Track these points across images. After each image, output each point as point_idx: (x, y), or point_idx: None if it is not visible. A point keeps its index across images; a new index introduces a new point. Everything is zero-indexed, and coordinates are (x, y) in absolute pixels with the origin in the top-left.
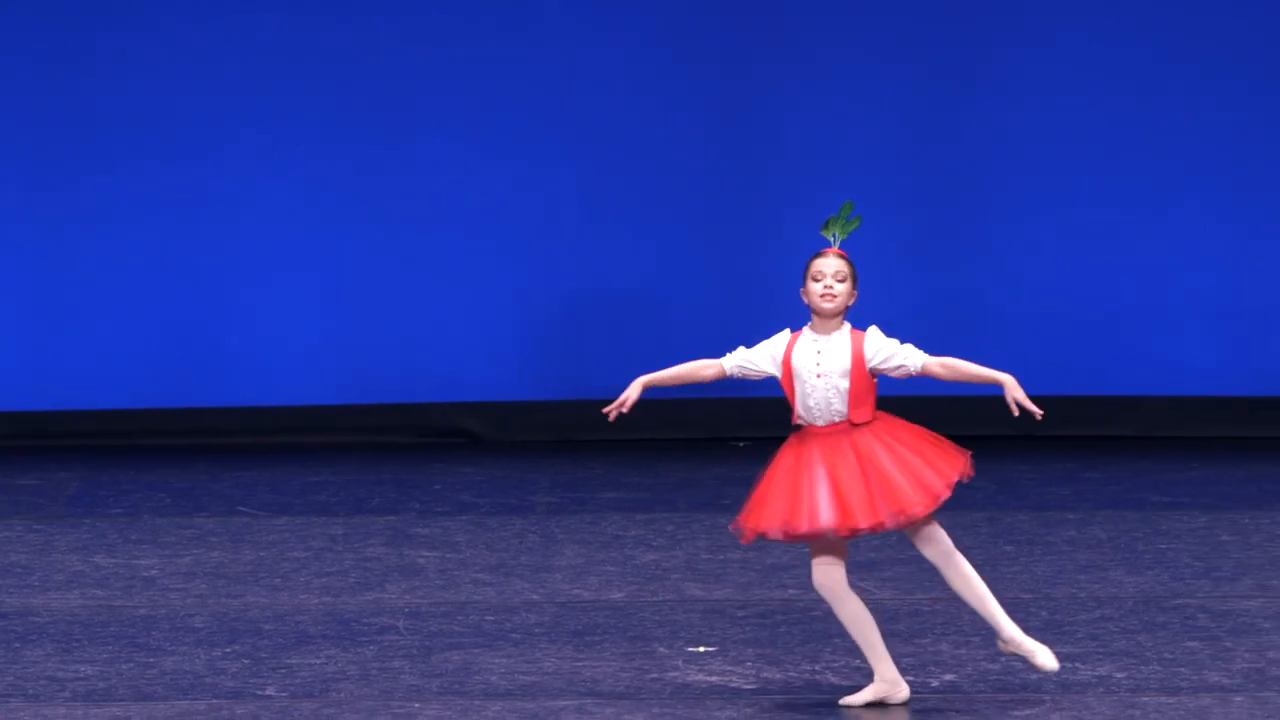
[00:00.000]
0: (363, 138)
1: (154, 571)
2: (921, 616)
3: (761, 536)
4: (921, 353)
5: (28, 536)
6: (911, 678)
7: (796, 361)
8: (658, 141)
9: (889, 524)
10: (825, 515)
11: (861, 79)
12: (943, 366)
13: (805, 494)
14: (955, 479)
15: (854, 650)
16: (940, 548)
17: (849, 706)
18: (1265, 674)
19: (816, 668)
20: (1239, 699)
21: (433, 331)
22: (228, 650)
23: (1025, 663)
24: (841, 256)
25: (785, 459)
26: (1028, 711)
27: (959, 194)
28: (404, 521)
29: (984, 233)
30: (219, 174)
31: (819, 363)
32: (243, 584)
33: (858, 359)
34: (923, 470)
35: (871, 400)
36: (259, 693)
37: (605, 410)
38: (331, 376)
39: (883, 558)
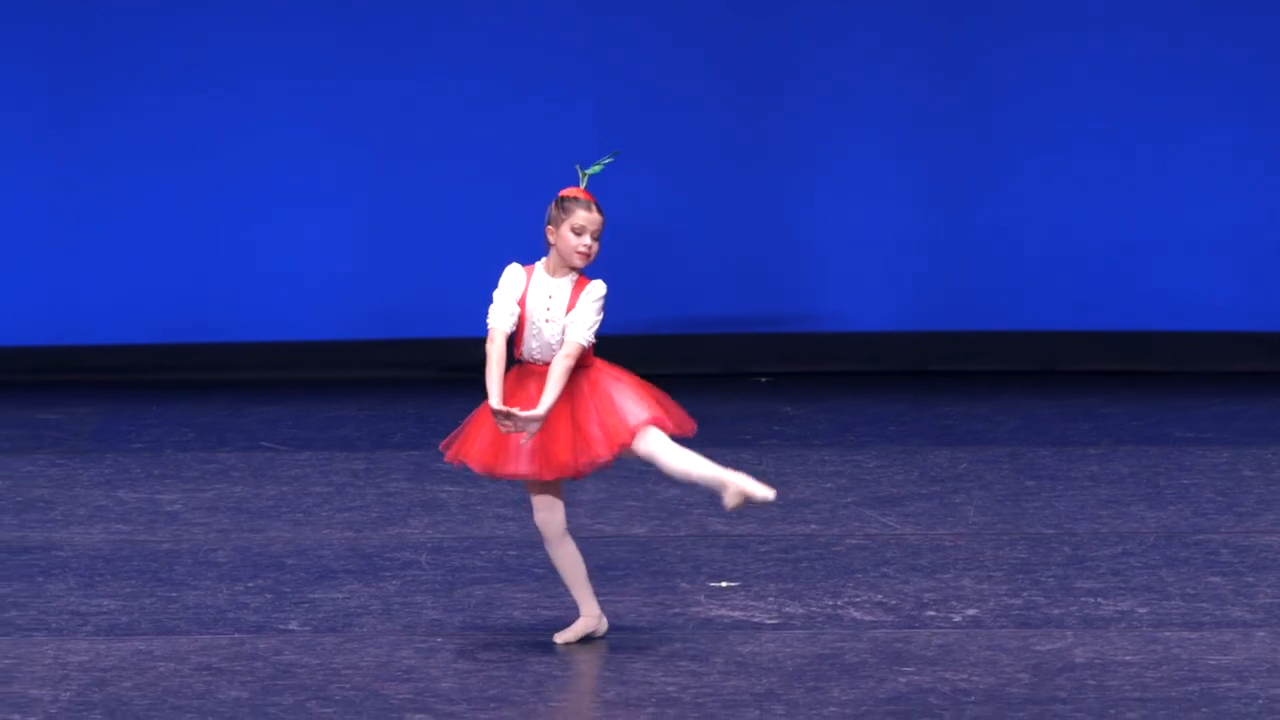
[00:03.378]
0: (383, 72)
1: (177, 506)
2: (944, 552)
3: (465, 466)
4: (581, 338)
5: (50, 471)
6: (933, 613)
7: (530, 304)
8: (675, 75)
9: (584, 473)
10: (524, 463)
11: (877, 14)
12: (554, 356)
13: (512, 438)
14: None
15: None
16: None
17: (565, 643)
18: None
19: (839, 602)
20: (1261, 634)
21: (454, 265)
22: (250, 585)
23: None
24: (598, 207)
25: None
26: (1050, 646)
27: (977, 129)
28: (427, 456)
29: (1003, 167)
30: (240, 109)
31: (549, 307)
32: (265, 519)
33: (571, 307)
34: (609, 416)
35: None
36: (282, 627)
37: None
38: (354, 311)
39: (905, 493)
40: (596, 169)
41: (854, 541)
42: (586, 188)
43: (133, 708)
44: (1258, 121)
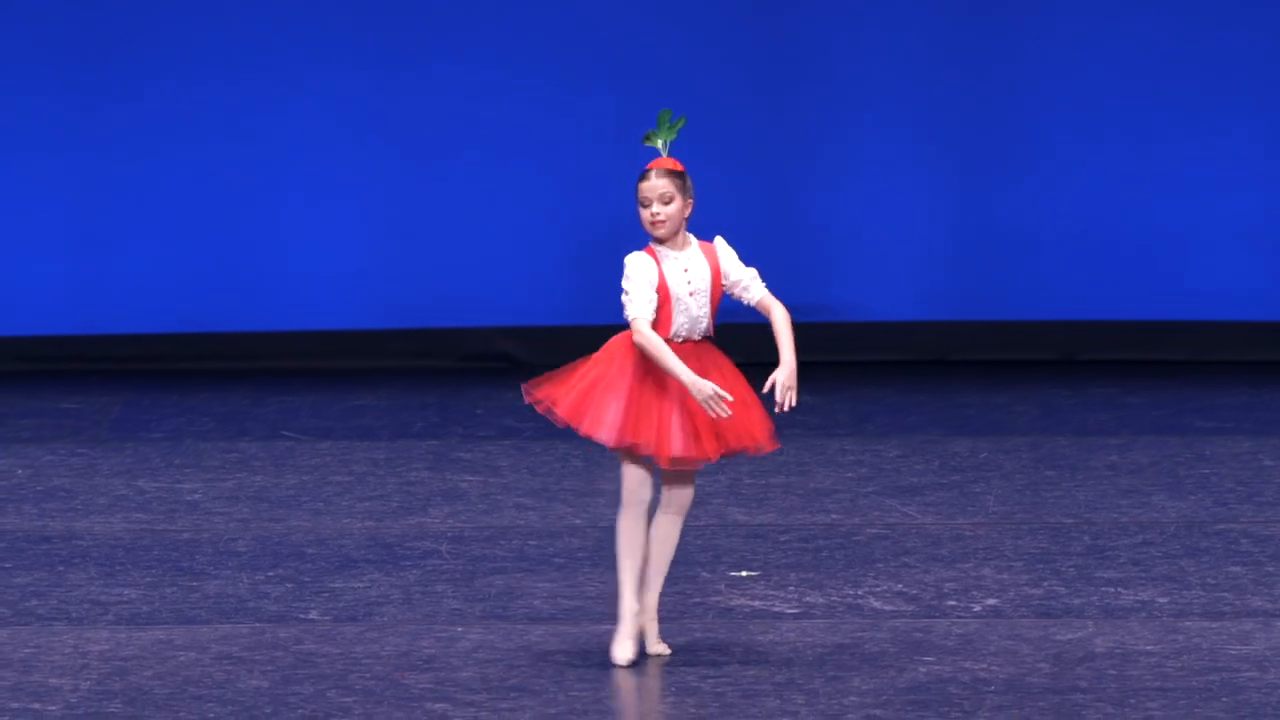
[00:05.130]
0: (405, 60)
1: (197, 495)
2: (964, 541)
3: (586, 435)
4: (763, 285)
5: (71, 460)
6: (954, 602)
7: (671, 283)
8: (695, 67)
9: (729, 455)
10: (678, 445)
11: (898, 5)
12: (770, 314)
13: (664, 421)
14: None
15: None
16: (685, 500)
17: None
18: None
19: (859, 592)
20: None
21: (474, 255)
22: (271, 574)
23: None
24: (666, 172)
25: (628, 362)
26: (1070, 636)
27: (997, 120)
28: (446, 446)
29: (1023, 158)
30: (261, 97)
31: (689, 280)
32: (285, 508)
33: (716, 273)
34: (761, 405)
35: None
36: (302, 616)
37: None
38: (374, 300)
39: (925, 483)
40: (666, 135)
41: (874, 531)
42: (663, 151)
43: (153, 697)
44: (1278, 111)
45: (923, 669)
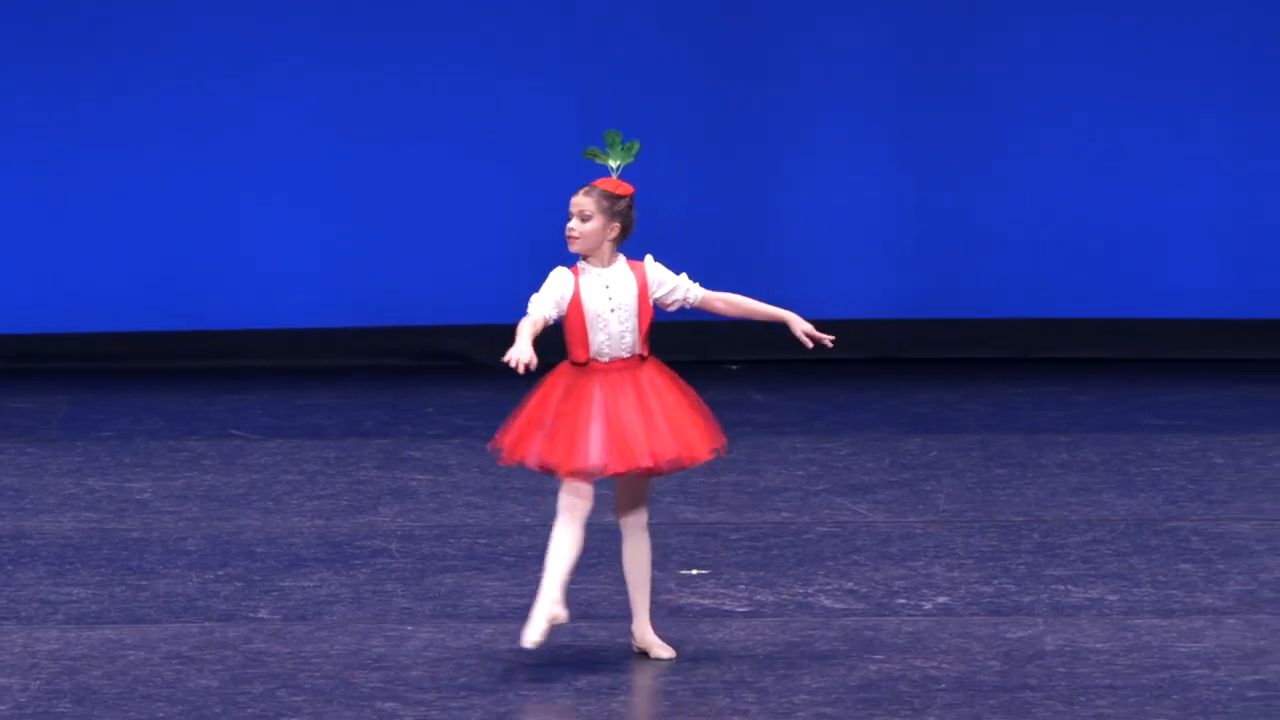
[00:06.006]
0: (356, 59)
1: (146, 494)
2: (914, 539)
3: (520, 464)
4: (699, 286)
5: (19, 459)
6: (904, 600)
7: (588, 300)
8: (656, 61)
9: (668, 465)
10: (595, 456)
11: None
12: (724, 301)
13: (579, 433)
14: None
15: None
16: (640, 518)
17: (536, 642)
18: (1257, 596)
19: (809, 590)
20: (1231, 621)
21: (427, 254)
22: (220, 573)
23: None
24: (597, 192)
25: (556, 388)
26: (1021, 634)
27: (955, 114)
28: (397, 444)
29: (980, 153)
30: (212, 96)
31: (611, 297)
32: (235, 507)
33: (643, 290)
34: (706, 417)
35: (648, 333)
36: (252, 615)
37: (508, 362)
38: (326, 299)
39: (876, 481)
40: (618, 156)
41: (825, 529)
42: (615, 173)
43: (102, 696)
44: (1240, 108)
45: (873, 667)
